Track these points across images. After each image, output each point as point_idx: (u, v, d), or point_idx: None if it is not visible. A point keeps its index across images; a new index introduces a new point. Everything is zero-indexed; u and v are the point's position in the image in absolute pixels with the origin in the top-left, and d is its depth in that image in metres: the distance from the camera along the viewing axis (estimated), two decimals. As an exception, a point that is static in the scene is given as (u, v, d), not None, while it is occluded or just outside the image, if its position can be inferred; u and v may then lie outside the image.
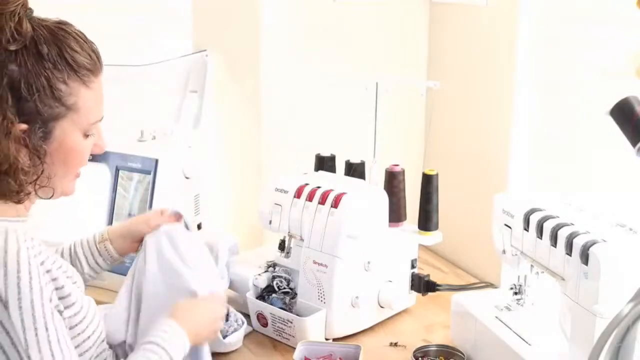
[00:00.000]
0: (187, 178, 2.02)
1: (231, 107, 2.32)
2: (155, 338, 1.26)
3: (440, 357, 1.64)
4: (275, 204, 1.84)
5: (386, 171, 1.92)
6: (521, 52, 1.93)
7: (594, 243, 1.32)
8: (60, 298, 1.19)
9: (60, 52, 1.16)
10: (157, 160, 1.96)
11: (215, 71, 2.29)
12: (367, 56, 2.25)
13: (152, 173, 1.95)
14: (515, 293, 1.64)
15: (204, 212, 2.10)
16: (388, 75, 2.01)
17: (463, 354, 1.63)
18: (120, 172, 2.00)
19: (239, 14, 2.24)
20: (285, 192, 1.83)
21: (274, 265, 1.87)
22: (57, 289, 1.18)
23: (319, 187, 1.79)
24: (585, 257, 1.32)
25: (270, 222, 1.85)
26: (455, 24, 2.22)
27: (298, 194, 1.80)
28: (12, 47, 1.12)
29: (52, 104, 1.16)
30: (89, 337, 1.25)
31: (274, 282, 1.82)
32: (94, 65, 1.21)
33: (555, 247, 1.41)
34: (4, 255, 1.10)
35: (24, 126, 1.14)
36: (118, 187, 2.01)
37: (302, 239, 1.79)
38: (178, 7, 2.42)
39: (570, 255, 1.37)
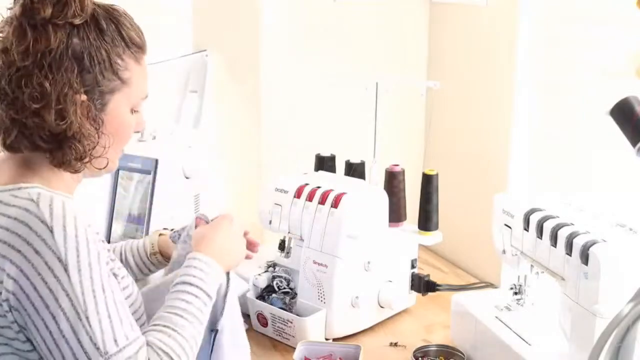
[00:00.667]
0: (187, 178, 2.02)
1: (231, 107, 2.32)
2: (188, 277, 1.28)
3: (440, 357, 1.64)
4: (275, 204, 1.84)
5: (386, 171, 1.92)
6: (521, 52, 1.93)
7: (594, 243, 1.32)
8: (116, 267, 1.24)
9: (117, 29, 1.24)
10: (157, 160, 1.95)
11: (215, 71, 2.29)
12: (367, 56, 2.25)
13: (152, 173, 1.95)
14: (515, 293, 1.64)
15: (204, 212, 2.10)
16: (388, 75, 2.01)
17: (463, 354, 1.63)
18: (120, 172, 2.00)
19: (239, 14, 2.24)
20: (285, 192, 1.83)
21: (274, 265, 1.87)
22: (111, 259, 1.24)
23: (319, 187, 1.79)
24: (585, 257, 1.32)
25: (270, 222, 1.85)
26: (455, 24, 2.22)
27: (298, 194, 1.80)
28: (77, 22, 1.19)
29: (110, 77, 1.23)
30: (135, 313, 1.29)
31: (274, 282, 1.82)
32: (143, 43, 1.29)
33: (555, 247, 1.41)
34: (63, 220, 1.14)
35: (84, 97, 1.20)
36: (118, 187, 2.01)
37: (302, 239, 1.79)
38: (178, 7, 2.42)
39: (570, 255, 1.37)
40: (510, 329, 1.55)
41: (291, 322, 1.71)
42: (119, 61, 1.23)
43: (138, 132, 1.35)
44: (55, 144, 1.20)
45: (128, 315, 1.18)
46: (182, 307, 1.25)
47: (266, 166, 2.22)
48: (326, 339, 1.73)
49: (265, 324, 1.78)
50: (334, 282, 1.72)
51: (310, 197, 1.78)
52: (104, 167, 1.28)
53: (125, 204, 2.00)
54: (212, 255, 1.34)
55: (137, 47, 1.26)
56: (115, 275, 1.23)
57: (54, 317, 1.12)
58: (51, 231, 1.13)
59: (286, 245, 1.85)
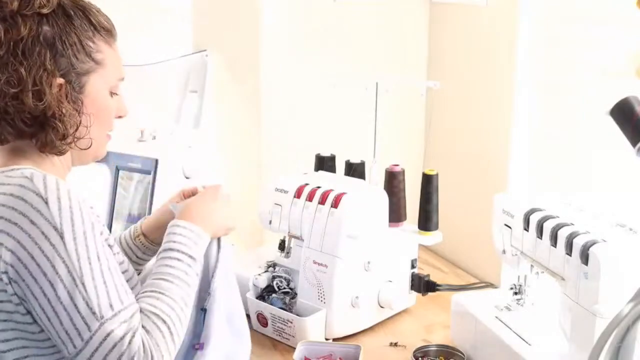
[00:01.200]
0: (187, 178, 2.02)
1: (231, 107, 2.32)
2: (169, 244, 1.33)
3: (440, 357, 1.64)
4: (275, 204, 1.84)
5: (386, 171, 1.92)
6: (521, 52, 1.93)
7: (594, 243, 1.32)
8: (108, 240, 1.27)
9: (84, 15, 1.29)
10: (157, 160, 1.96)
11: (215, 71, 2.29)
12: (367, 56, 2.25)
13: (152, 173, 1.95)
14: (515, 293, 1.64)
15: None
16: (388, 75, 2.01)
17: (463, 354, 1.63)
18: (120, 172, 2.00)
19: (239, 14, 2.24)
20: (285, 192, 1.83)
21: (274, 265, 1.87)
22: (102, 234, 1.26)
23: (319, 187, 1.79)
24: (585, 257, 1.32)
25: (270, 222, 1.85)
26: (455, 24, 2.22)
27: (298, 194, 1.80)
28: (45, 11, 1.24)
29: (84, 59, 1.28)
30: (130, 281, 1.32)
31: (274, 282, 1.82)
32: (112, 28, 1.34)
33: (555, 247, 1.41)
34: (57, 192, 1.18)
35: (61, 80, 1.25)
36: (118, 187, 2.01)
37: (302, 239, 1.79)
38: (178, 7, 2.42)
39: (570, 255, 1.37)
40: (510, 329, 1.55)
41: (291, 322, 1.71)
42: (90, 44, 1.29)
43: (121, 117, 1.38)
44: (38, 126, 1.24)
45: (123, 281, 1.22)
46: (167, 271, 1.28)
47: (266, 166, 2.21)
48: (326, 339, 1.73)
49: (265, 324, 1.78)
50: (334, 282, 1.72)
51: (310, 197, 1.78)
52: (89, 147, 1.31)
53: (125, 204, 2.01)
54: (193, 221, 1.37)
55: (105, 30, 1.32)
56: (110, 246, 1.26)
57: (51, 284, 1.15)
58: (46, 202, 1.17)
59: (286, 245, 1.85)
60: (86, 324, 1.16)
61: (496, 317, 1.60)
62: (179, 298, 1.26)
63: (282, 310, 1.74)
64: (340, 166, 2.01)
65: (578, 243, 1.35)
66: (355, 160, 1.97)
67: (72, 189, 1.20)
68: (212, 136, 2.30)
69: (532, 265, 1.56)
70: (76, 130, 1.27)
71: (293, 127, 2.22)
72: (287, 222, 1.82)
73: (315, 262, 1.75)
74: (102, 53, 1.31)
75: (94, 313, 1.16)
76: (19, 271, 1.16)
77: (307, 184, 1.81)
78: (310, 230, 1.77)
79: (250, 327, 1.79)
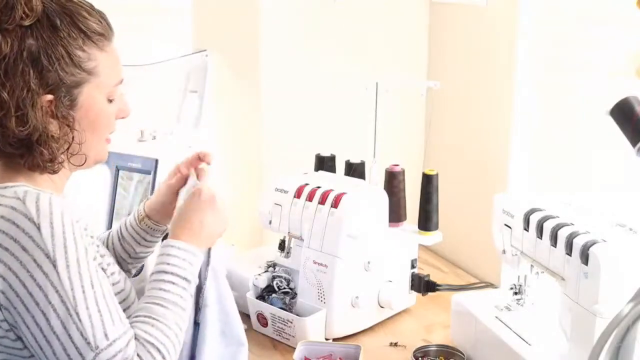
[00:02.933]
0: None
1: (231, 107, 2.32)
2: (163, 266, 1.28)
3: (440, 357, 1.64)
4: (275, 204, 1.84)
5: (386, 171, 1.92)
6: (521, 52, 1.93)
7: (594, 243, 1.32)
8: (105, 264, 1.24)
9: (72, 21, 1.20)
10: (157, 160, 1.95)
11: (215, 71, 2.29)
12: (367, 56, 2.25)
13: (152, 173, 1.95)
14: (515, 293, 1.64)
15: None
16: (388, 75, 2.01)
17: (463, 354, 1.63)
18: (120, 172, 2.00)
19: (239, 14, 2.24)
20: (285, 192, 1.83)
21: (274, 265, 1.87)
22: (100, 255, 1.24)
23: (319, 187, 1.79)
24: (585, 257, 1.32)
25: (270, 222, 1.85)
26: (455, 24, 2.22)
27: (298, 194, 1.80)
28: (26, 23, 1.16)
29: (73, 71, 1.20)
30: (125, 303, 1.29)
31: (274, 282, 1.82)
32: (106, 29, 1.25)
33: (555, 247, 1.41)
34: (50, 216, 1.13)
35: (49, 97, 1.18)
36: (118, 187, 2.01)
37: (302, 239, 1.79)
38: (178, 7, 2.42)
39: (570, 255, 1.37)
40: (510, 329, 1.55)
41: (291, 322, 1.71)
42: (79, 53, 1.21)
43: (123, 117, 1.33)
44: (24, 149, 1.19)
45: (117, 308, 1.18)
46: (161, 295, 1.24)
47: (266, 166, 2.22)
48: (326, 339, 1.73)
49: (265, 324, 1.78)
50: (334, 282, 1.72)
51: (310, 197, 1.78)
52: (83, 164, 1.27)
53: (125, 204, 2.00)
54: (188, 237, 1.31)
55: (98, 34, 1.23)
56: (103, 270, 1.23)
57: (44, 314, 1.12)
58: (38, 228, 1.13)
59: (286, 245, 1.85)
60: (80, 354, 1.12)
61: (496, 317, 1.60)
62: (174, 324, 1.22)
63: (282, 310, 1.74)
64: (340, 166, 2.01)
65: (578, 243, 1.35)
66: (355, 160, 1.97)
67: (65, 210, 1.15)
68: (212, 136, 2.30)
69: (532, 265, 1.56)
70: (68, 148, 1.22)
71: (293, 127, 2.22)
72: (287, 222, 1.82)
73: (315, 262, 1.75)
74: (95, 61, 1.22)
75: (88, 343, 1.13)
76: (10, 298, 1.13)
77: (307, 184, 1.81)
78: (310, 230, 1.77)
79: (250, 327, 1.80)
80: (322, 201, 1.75)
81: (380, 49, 2.28)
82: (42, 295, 1.12)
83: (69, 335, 1.12)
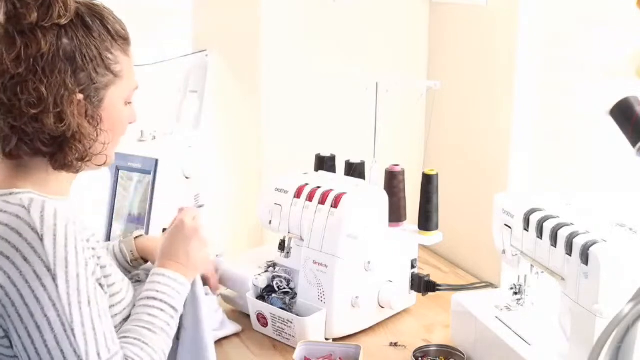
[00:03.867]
0: (187, 178, 2.02)
1: (231, 107, 2.32)
2: (152, 292, 1.31)
3: (440, 357, 1.64)
4: (275, 204, 1.84)
5: (386, 171, 1.92)
6: (521, 52, 1.93)
7: (594, 243, 1.32)
8: (103, 277, 1.24)
9: (102, 24, 1.24)
10: (157, 160, 1.95)
11: (215, 71, 2.29)
12: (367, 56, 2.25)
13: (152, 173, 1.95)
14: (515, 293, 1.64)
15: (204, 212, 2.10)
16: (388, 75, 2.01)
17: (463, 354, 1.63)
18: (120, 172, 2.00)
19: (239, 14, 2.24)
20: (285, 192, 1.83)
21: (274, 265, 1.87)
22: (100, 267, 1.23)
23: (319, 187, 1.79)
24: (585, 257, 1.32)
25: (270, 222, 1.85)
26: (455, 24, 2.22)
27: (298, 194, 1.80)
28: (63, 22, 1.18)
29: (103, 72, 1.23)
30: (120, 312, 1.30)
31: (274, 282, 1.82)
32: (128, 35, 1.29)
33: (555, 247, 1.41)
34: (54, 227, 1.14)
35: (81, 96, 1.21)
36: (118, 187, 2.01)
37: (302, 239, 1.79)
38: (178, 7, 2.42)
39: (570, 255, 1.37)
40: (510, 329, 1.55)
41: (291, 322, 1.71)
42: (109, 55, 1.24)
43: (131, 123, 1.35)
44: (56, 147, 1.20)
45: (111, 328, 1.19)
46: (150, 320, 1.27)
47: (266, 166, 2.21)
48: (326, 339, 1.73)
49: (265, 324, 1.77)
50: (334, 282, 1.72)
51: (310, 197, 1.78)
52: (103, 164, 1.29)
53: (125, 204, 2.00)
54: (175, 266, 1.35)
55: (122, 39, 1.27)
56: (101, 285, 1.23)
57: (38, 327, 1.12)
58: (41, 239, 1.13)
59: (286, 245, 1.85)
60: None
61: (496, 317, 1.60)
62: (160, 349, 1.25)
63: (282, 310, 1.74)
64: (340, 166, 2.01)
65: (578, 243, 1.35)
66: (355, 160, 1.97)
67: (70, 222, 1.16)
68: (212, 136, 2.30)
69: (532, 265, 1.56)
70: (92, 147, 1.24)
71: (293, 127, 2.22)
72: (287, 222, 1.82)
73: (315, 262, 1.75)
74: (120, 64, 1.26)
75: (79, 358, 1.13)
76: (5, 306, 1.13)
77: (307, 184, 1.81)
78: (310, 230, 1.77)
79: (250, 327, 1.80)
80: (322, 201, 1.75)
81: (380, 49, 2.28)
82: (39, 308, 1.12)
83: (62, 350, 1.13)
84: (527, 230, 1.50)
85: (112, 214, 2.01)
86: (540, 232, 1.46)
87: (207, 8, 2.34)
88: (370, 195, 1.81)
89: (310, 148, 2.05)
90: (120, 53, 1.26)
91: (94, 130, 1.23)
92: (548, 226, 1.44)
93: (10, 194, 1.20)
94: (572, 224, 1.41)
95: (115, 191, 2.01)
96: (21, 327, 1.13)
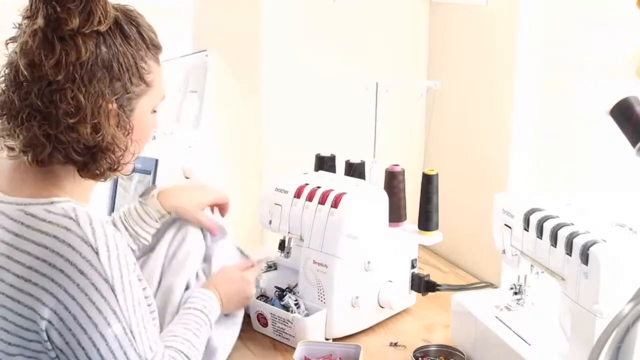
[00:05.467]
0: (187, 178, 2.02)
1: (231, 107, 2.32)
2: (198, 305, 1.48)
3: (440, 357, 1.64)
4: (275, 204, 1.84)
5: (386, 171, 1.92)
6: (521, 52, 1.93)
7: (594, 243, 1.32)
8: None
9: (138, 31, 1.23)
10: (157, 160, 1.96)
11: (215, 71, 2.29)
12: (367, 56, 2.25)
13: (152, 173, 1.95)
14: (515, 293, 1.64)
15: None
16: (388, 75, 2.01)
17: (463, 354, 1.63)
18: (121, 172, 2.00)
19: (239, 14, 2.24)
20: (285, 192, 1.83)
21: (274, 265, 1.87)
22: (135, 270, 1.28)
23: (319, 187, 1.79)
24: (585, 257, 1.32)
25: (270, 222, 1.85)
26: (455, 24, 2.22)
27: (298, 194, 1.80)
28: (102, 29, 1.16)
29: (137, 82, 1.22)
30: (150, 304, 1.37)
31: (285, 300, 1.78)
32: (160, 43, 1.29)
33: (555, 247, 1.41)
34: (105, 239, 1.15)
35: (115, 105, 1.20)
36: (118, 187, 2.01)
37: (302, 239, 1.79)
38: (178, 7, 2.42)
39: (570, 255, 1.37)
40: (510, 329, 1.55)
41: (291, 322, 1.71)
42: (143, 65, 1.23)
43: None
44: (89, 156, 1.19)
45: (152, 322, 1.27)
46: (195, 327, 1.43)
47: (266, 166, 2.21)
48: (326, 339, 1.73)
49: (265, 324, 1.77)
50: (334, 282, 1.72)
51: (310, 197, 1.78)
52: (130, 173, 1.33)
53: (125, 204, 2.00)
54: (222, 303, 1.55)
55: (155, 47, 1.27)
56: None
57: (102, 336, 1.16)
58: (96, 253, 1.14)
59: (286, 245, 1.85)
60: None
61: (496, 317, 1.60)
62: (199, 346, 1.41)
63: (282, 310, 1.74)
64: (340, 166, 2.01)
65: (578, 243, 1.35)
66: (355, 160, 1.97)
67: (117, 232, 1.18)
68: (212, 136, 2.30)
69: (532, 265, 1.56)
70: (122, 157, 1.23)
71: (293, 127, 2.22)
72: (287, 222, 1.82)
73: (315, 262, 1.75)
74: (153, 73, 1.26)
75: (140, 357, 1.20)
76: (65, 321, 1.14)
77: (307, 184, 1.81)
78: (310, 230, 1.77)
79: (250, 327, 1.80)
80: (322, 201, 1.75)
81: (380, 49, 2.28)
82: (102, 318, 1.15)
83: (125, 352, 1.18)
84: (527, 230, 1.50)
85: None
86: (540, 232, 1.46)
87: (207, 8, 2.34)
88: (370, 195, 1.81)
89: (310, 148, 2.05)
90: (153, 62, 1.26)
91: (126, 140, 1.23)
92: (548, 226, 1.44)
93: (52, 202, 1.18)
94: (572, 224, 1.41)
95: (115, 191, 2.01)
96: (85, 339, 1.15)
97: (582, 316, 1.34)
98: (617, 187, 1.71)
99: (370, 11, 2.26)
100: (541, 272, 1.54)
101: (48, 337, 1.15)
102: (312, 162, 2.02)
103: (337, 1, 2.21)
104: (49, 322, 1.14)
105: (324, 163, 1.99)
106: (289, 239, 1.85)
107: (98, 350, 1.16)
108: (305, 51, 2.20)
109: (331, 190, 1.77)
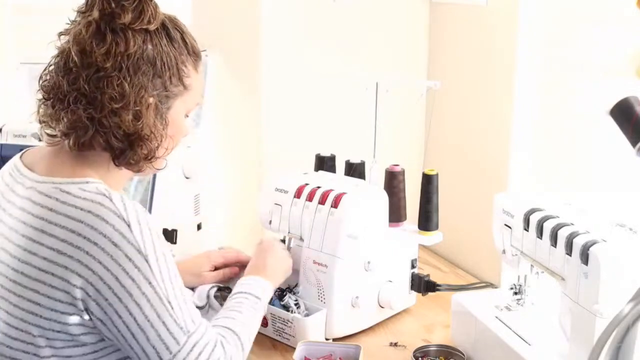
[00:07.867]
0: (187, 178, 2.02)
1: (231, 107, 2.32)
2: (242, 287, 1.53)
3: (440, 357, 1.64)
4: (275, 204, 1.84)
5: (386, 171, 1.92)
6: (521, 52, 1.93)
7: (594, 243, 1.32)
8: None
9: (182, 37, 1.32)
10: (157, 160, 1.95)
11: (215, 71, 2.29)
12: (367, 56, 2.25)
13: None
14: (515, 293, 1.64)
15: (204, 212, 2.10)
16: (388, 75, 2.01)
17: (463, 354, 1.63)
18: (121, 172, 2.00)
19: (239, 14, 2.24)
20: (285, 192, 1.83)
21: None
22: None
23: (319, 187, 1.79)
24: (585, 257, 1.32)
25: (270, 222, 1.85)
26: (455, 24, 2.22)
27: (298, 194, 1.80)
28: (151, 27, 1.26)
29: (176, 83, 1.30)
30: None
31: (285, 301, 1.78)
32: (200, 53, 1.37)
33: (555, 247, 1.41)
34: (136, 214, 1.21)
35: (154, 100, 1.28)
36: (118, 187, 2.01)
37: (302, 239, 1.79)
38: (178, 7, 2.42)
39: (570, 255, 1.37)
40: (510, 329, 1.55)
41: (291, 322, 1.71)
42: (184, 68, 1.31)
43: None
44: (127, 143, 1.26)
45: (191, 299, 1.33)
46: (245, 308, 1.47)
47: (266, 166, 2.22)
48: (326, 339, 1.73)
49: (265, 324, 1.77)
50: (334, 282, 1.72)
51: (310, 197, 1.78)
52: (162, 168, 1.36)
53: (125, 204, 2.00)
54: (266, 277, 1.58)
55: (196, 55, 1.34)
56: None
57: (137, 304, 1.20)
58: (129, 225, 1.19)
59: (286, 245, 1.85)
60: (175, 338, 1.23)
61: (496, 317, 1.60)
62: (247, 327, 1.43)
63: (282, 310, 1.74)
64: (340, 166, 2.01)
65: (578, 243, 1.35)
66: (355, 160, 1.97)
67: (143, 211, 1.23)
68: (212, 136, 2.30)
69: (532, 265, 1.56)
70: (157, 149, 1.30)
71: (293, 127, 2.22)
72: (287, 222, 1.82)
73: (315, 262, 1.75)
74: (191, 78, 1.33)
75: (181, 328, 1.23)
76: (100, 290, 1.19)
77: (307, 184, 1.81)
78: (310, 230, 1.77)
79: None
80: (322, 201, 1.75)
81: (380, 49, 2.28)
82: (136, 287, 1.20)
83: (164, 322, 1.22)
84: (527, 230, 1.50)
85: (112, 214, 2.01)
86: (540, 232, 1.46)
87: (207, 8, 2.34)
88: (370, 195, 1.81)
89: (310, 148, 2.05)
90: (192, 68, 1.33)
91: (162, 132, 1.30)
92: (548, 226, 1.44)
93: (87, 182, 1.25)
94: (572, 224, 1.40)
95: (115, 191, 2.01)
96: (122, 308, 1.20)
97: (582, 316, 1.34)
98: (617, 187, 1.71)
99: (370, 11, 2.26)
100: (541, 272, 1.54)
101: (86, 307, 1.20)
102: (312, 162, 2.02)
103: (337, 1, 2.21)
104: (86, 292, 1.19)
105: (324, 163, 1.99)
106: (289, 239, 1.85)
107: (135, 319, 1.20)
108: (305, 51, 2.20)
109: (331, 190, 1.77)
